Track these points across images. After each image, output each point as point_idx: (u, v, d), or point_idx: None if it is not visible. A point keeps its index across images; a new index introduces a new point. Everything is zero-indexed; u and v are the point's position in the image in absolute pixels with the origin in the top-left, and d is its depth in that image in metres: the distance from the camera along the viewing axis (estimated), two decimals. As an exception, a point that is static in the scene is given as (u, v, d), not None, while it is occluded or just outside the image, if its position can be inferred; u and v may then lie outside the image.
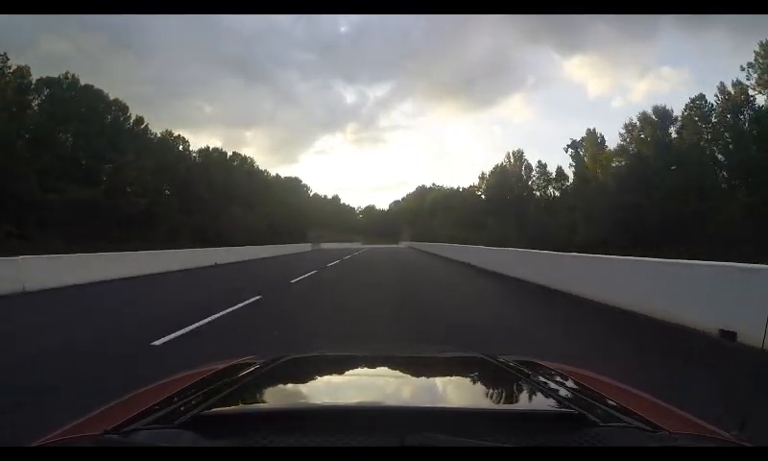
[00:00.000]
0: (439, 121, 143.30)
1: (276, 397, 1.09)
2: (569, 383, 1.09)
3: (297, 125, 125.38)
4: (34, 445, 0.75)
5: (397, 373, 1.30)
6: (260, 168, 68.23)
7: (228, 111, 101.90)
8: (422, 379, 1.23)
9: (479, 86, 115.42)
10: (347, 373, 1.30)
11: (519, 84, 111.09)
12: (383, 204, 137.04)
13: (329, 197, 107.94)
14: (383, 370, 1.31)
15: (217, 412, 0.78)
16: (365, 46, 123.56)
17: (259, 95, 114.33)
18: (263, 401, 1.03)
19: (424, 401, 1.01)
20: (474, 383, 1.21)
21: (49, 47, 55.56)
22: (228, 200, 47.98)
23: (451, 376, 1.27)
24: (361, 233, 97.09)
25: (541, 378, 1.08)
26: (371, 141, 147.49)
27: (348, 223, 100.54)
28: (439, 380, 1.23)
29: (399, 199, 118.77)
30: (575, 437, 0.69)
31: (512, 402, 1.04)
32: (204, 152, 56.33)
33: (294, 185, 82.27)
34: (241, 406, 0.92)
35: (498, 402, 1.05)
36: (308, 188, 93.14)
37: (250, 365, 1.21)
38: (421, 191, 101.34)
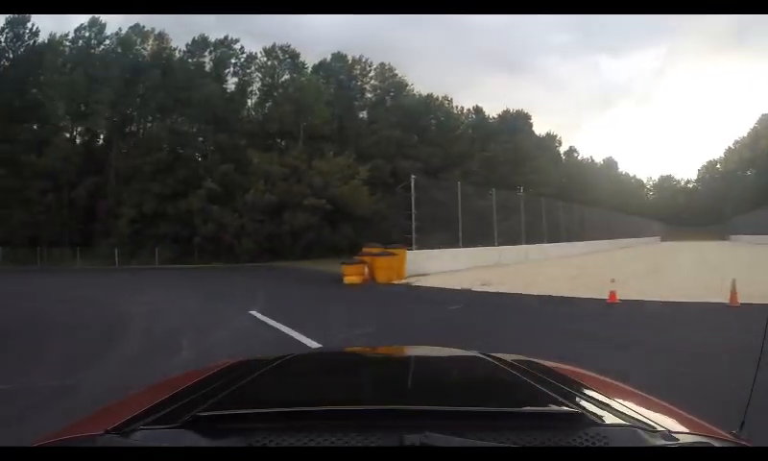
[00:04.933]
0: (719, 74, 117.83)
1: (276, 397, 1.09)
2: (569, 383, 1.09)
3: (566, 110, 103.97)
4: (34, 445, 0.75)
5: (397, 372, 1.29)
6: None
7: (498, 108, 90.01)
8: (422, 379, 1.23)
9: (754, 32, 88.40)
10: (347, 372, 1.30)
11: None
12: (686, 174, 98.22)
13: (598, 162, 66.33)
14: (383, 369, 1.31)
15: (217, 412, 0.78)
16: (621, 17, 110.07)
17: (524, 85, 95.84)
18: (263, 401, 1.02)
19: (424, 401, 1.00)
20: (474, 383, 1.21)
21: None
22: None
23: (451, 375, 1.27)
24: (655, 219, 57.99)
25: (541, 378, 1.08)
26: (648, 115, 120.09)
27: (630, 202, 59.03)
28: (438, 380, 1.23)
29: (714, 158, 69.75)
30: (575, 437, 0.69)
31: (511, 402, 1.03)
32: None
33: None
34: (241, 406, 0.91)
35: (498, 402, 1.04)
36: (559, 141, 54.69)
37: (250, 365, 1.22)
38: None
